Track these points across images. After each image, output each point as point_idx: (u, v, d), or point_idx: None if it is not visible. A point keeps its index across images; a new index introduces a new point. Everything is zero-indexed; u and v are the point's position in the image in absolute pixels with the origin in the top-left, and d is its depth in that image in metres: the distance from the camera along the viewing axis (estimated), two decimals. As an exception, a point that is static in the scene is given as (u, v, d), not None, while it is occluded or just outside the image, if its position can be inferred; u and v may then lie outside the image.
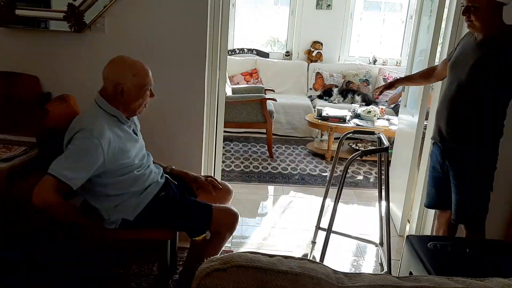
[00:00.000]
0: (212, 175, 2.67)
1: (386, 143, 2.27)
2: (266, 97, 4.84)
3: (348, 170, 4.61)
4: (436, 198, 2.56)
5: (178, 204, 2.19)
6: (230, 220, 2.23)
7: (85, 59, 2.74)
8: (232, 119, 4.83)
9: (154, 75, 2.76)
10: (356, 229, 3.37)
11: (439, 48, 3.01)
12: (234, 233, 3.21)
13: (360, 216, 3.70)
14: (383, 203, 2.44)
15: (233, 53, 6.48)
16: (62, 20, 2.66)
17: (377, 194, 4.13)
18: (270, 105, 5.00)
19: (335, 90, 5.97)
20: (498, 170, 2.62)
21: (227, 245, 3.03)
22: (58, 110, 2.04)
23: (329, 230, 2.21)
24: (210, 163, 3.07)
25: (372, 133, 2.54)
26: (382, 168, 2.41)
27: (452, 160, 2.38)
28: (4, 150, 2.15)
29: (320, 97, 6.06)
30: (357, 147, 5.10)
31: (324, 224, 3.31)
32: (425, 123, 3.14)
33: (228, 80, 5.36)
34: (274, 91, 5.65)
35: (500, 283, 1.09)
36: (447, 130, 2.37)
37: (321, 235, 2.86)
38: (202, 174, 2.91)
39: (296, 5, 6.39)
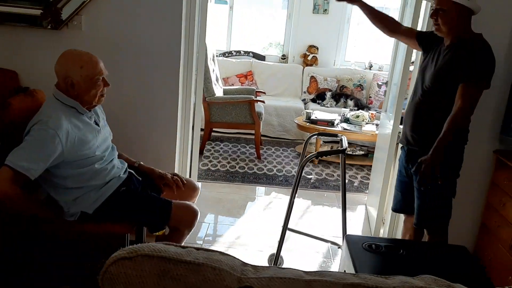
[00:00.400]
0: (179, 174, 2.71)
1: (345, 145, 2.29)
2: (254, 98, 4.87)
3: (333, 174, 4.65)
4: (401, 202, 2.58)
5: (137, 199, 2.24)
6: (189, 217, 2.27)
7: (63, 56, 2.80)
8: (220, 120, 4.88)
9: (129, 72, 2.83)
10: (333, 231, 3.38)
11: (414, 54, 3.04)
12: (208, 231, 3.28)
13: (339, 219, 3.70)
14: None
15: (229, 55, 6.53)
16: (39, 17, 2.72)
17: (359, 197, 4.19)
18: (260, 107, 5.04)
19: (328, 94, 5.99)
20: (468, 176, 2.63)
21: (198, 242, 3.08)
22: (21, 104, 2.10)
23: (284, 228, 2.25)
24: (185, 162, 3.11)
25: (336, 135, 2.56)
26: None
27: (415, 164, 2.39)
28: (-32, 142, 2.22)
29: (313, 100, 6.08)
30: (345, 151, 5.11)
31: (292, 224, 3.35)
32: (400, 127, 3.15)
33: (220, 81, 5.41)
34: (265, 94, 5.69)
35: (401, 281, 1.11)
36: (411, 134, 2.39)
37: (288, 235, 2.90)
38: (176, 172, 2.95)
39: (293, 9, 6.42)
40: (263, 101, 5.04)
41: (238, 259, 1.20)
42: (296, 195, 3.98)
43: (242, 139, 5.54)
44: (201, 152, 4.85)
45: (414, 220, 2.41)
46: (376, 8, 2.64)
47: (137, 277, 1.09)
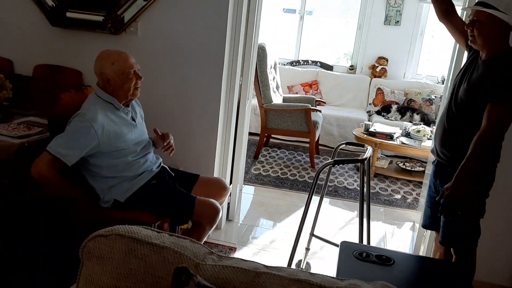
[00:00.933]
0: (219, 176, 2.85)
1: (367, 155, 2.28)
2: (311, 107, 4.91)
3: (387, 188, 4.54)
4: (431, 219, 2.50)
5: (165, 193, 2.39)
6: (211, 213, 2.38)
7: (120, 58, 3.07)
8: (276, 126, 4.97)
9: (176, 77, 3.02)
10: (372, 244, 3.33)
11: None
12: (245, 232, 3.38)
13: (380, 233, 3.64)
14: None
15: (296, 64, 6.62)
16: (101, 23, 3.01)
17: (408, 214, 4.06)
18: (317, 116, 5.07)
19: (394, 107, 5.85)
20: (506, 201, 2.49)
21: (232, 242, 3.19)
22: (69, 98, 2.35)
23: (299, 232, 2.29)
24: (225, 165, 3.22)
25: (363, 145, 2.55)
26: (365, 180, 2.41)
27: (442, 179, 2.32)
28: (25, 129, 2.53)
29: (378, 113, 5.97)
30: (404, 166, 4.97)
31: (331, 234, 3.35)
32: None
33: (281, 89, 5.51)
34: (325, 103, 5.69)
35: (350, 283, 1.13)
36: (440, 149, 2.33)
37: (314, 242, 2.92)
38: (215, 175, 3.08)
39: (364, 20, 6.37)
40: (319, 110, 5.07)
41: (206, 247, 1.29)
42: (339, 205, 4.04)
43: (300, 147, 5.59)
44: (256, 157, 4.99)
45: (439, 238, 2.34)
46: None
47: (108, 252, 1.22)
